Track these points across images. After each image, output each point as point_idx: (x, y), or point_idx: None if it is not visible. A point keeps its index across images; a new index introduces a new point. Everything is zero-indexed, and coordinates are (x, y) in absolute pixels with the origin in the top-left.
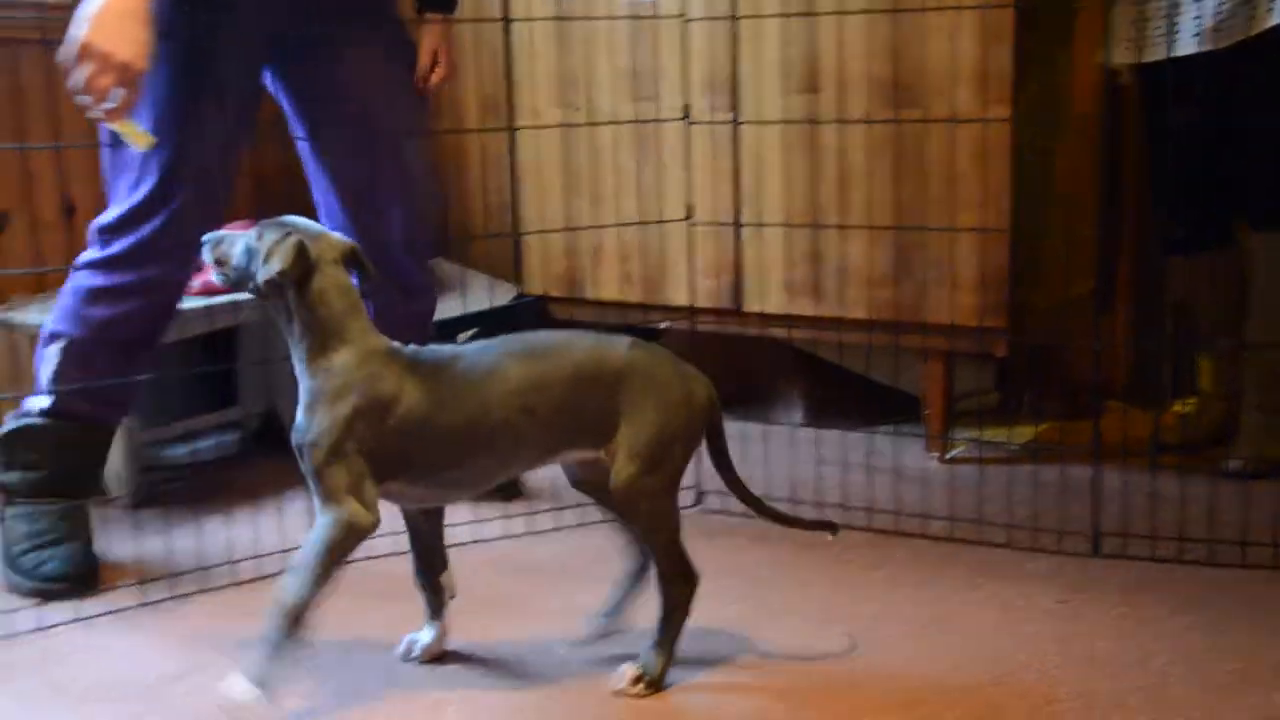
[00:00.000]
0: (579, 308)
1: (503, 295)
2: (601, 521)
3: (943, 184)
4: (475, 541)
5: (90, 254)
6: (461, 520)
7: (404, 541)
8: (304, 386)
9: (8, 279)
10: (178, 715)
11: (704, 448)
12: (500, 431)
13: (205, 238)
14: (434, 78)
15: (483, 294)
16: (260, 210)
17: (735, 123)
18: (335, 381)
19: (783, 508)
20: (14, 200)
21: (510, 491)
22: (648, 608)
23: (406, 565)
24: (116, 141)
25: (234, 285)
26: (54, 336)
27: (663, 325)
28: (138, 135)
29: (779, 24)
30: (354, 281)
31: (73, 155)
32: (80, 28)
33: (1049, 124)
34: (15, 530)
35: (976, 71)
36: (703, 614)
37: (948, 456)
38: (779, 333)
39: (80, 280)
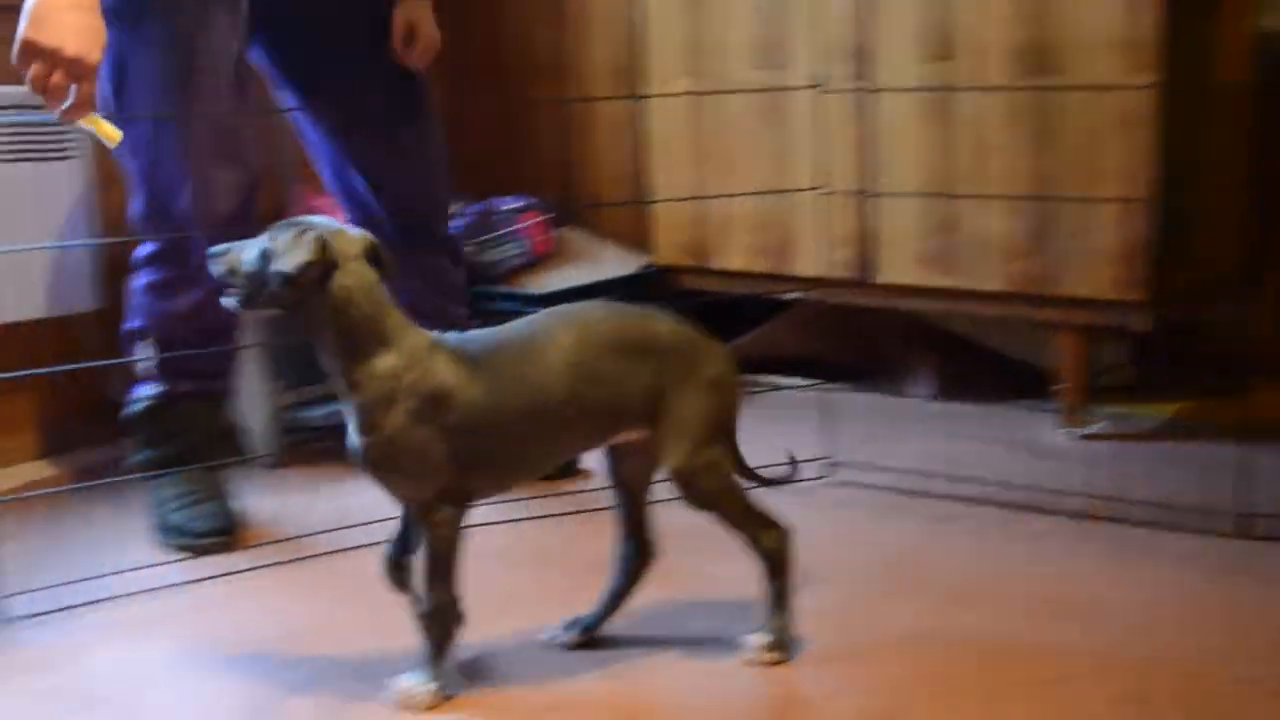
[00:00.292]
0: (706, 278)
1: (629, 264)
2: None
3: (1083, 153)
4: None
5: (143, 248)
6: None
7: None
8: (350, 405)
9: None
10: (320, 667)
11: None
12: (563, 409)
13: (210, 251)
14: (413, 55)
15: (609, 263)
16: None
17: (867, 90)
18: (384, 388)
19: (914, 482)
20: None
21: (568, 470)
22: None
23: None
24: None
25: (246, 301)
26: (137, 334)
27: (789, 296)
28: (105, 130)
29: None
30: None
31: None
32: (24, 24)
33: (1196, 92)
34: (162, 494)
35: (1121, 36)
36: (835, 587)
37: (1083, 433)
38: (910, 305)
39: (142, 276)
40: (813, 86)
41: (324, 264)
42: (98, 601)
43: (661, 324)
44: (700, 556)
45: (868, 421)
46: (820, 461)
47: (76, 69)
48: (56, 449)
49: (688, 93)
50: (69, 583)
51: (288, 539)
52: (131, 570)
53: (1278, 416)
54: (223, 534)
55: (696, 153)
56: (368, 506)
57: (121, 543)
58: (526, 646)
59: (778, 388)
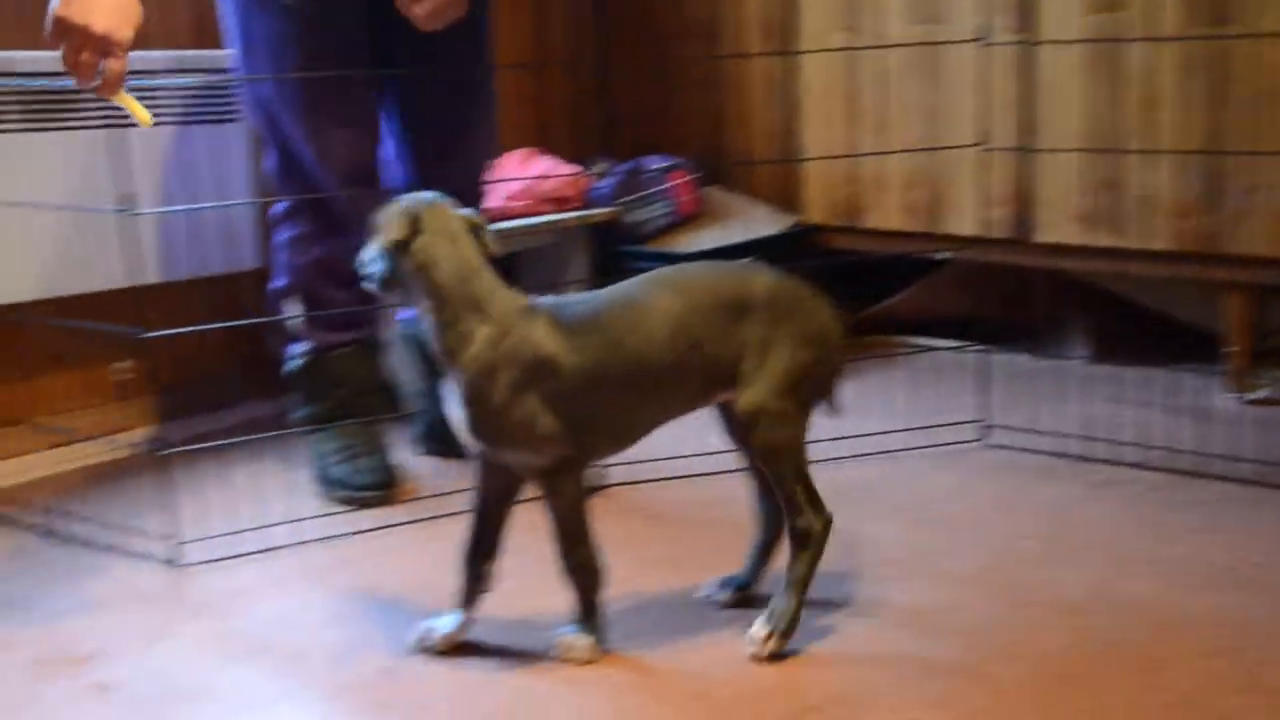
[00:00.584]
0: (855, 237)
1: (777, 224)
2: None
3: (1261, 106)
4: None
5: (280, 204)
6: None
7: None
8: (451, 369)
9: None
10: (480, 620)
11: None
12: (666, 372)
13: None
14: (416, 10)
15: (756, 222)
16: (545, 142)
17: (1031, 43)
18: (483, 358)
19: (1072, 446)
20: None
21: None
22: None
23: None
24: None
25: (385, 285)
26: (283, 291)
27: (942, 256)
28: (136, 110)
29: None
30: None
31: None
32: (54, 1)
33: None
34: (324, 448)
35: None
36: (992, 552)
37: (1250, 397)
38: (1069, 265)
39: (281, 233)
40: (976, 40)
41: (415, 238)
42: (265, 551)
43: (759, 279)
44: (848, 515)
45: (1023, 384)
46: (975, 424)
47: (104, 46)
48: (227, 403)
49: (845, 49)
50: (238, 531)
51: (446, 493)
52: (296, 521)
53: None
54: (381, 488)
55: (849, 110)
56: None
57: (287, 494)
58: (682, 604)
59: (930, 349)
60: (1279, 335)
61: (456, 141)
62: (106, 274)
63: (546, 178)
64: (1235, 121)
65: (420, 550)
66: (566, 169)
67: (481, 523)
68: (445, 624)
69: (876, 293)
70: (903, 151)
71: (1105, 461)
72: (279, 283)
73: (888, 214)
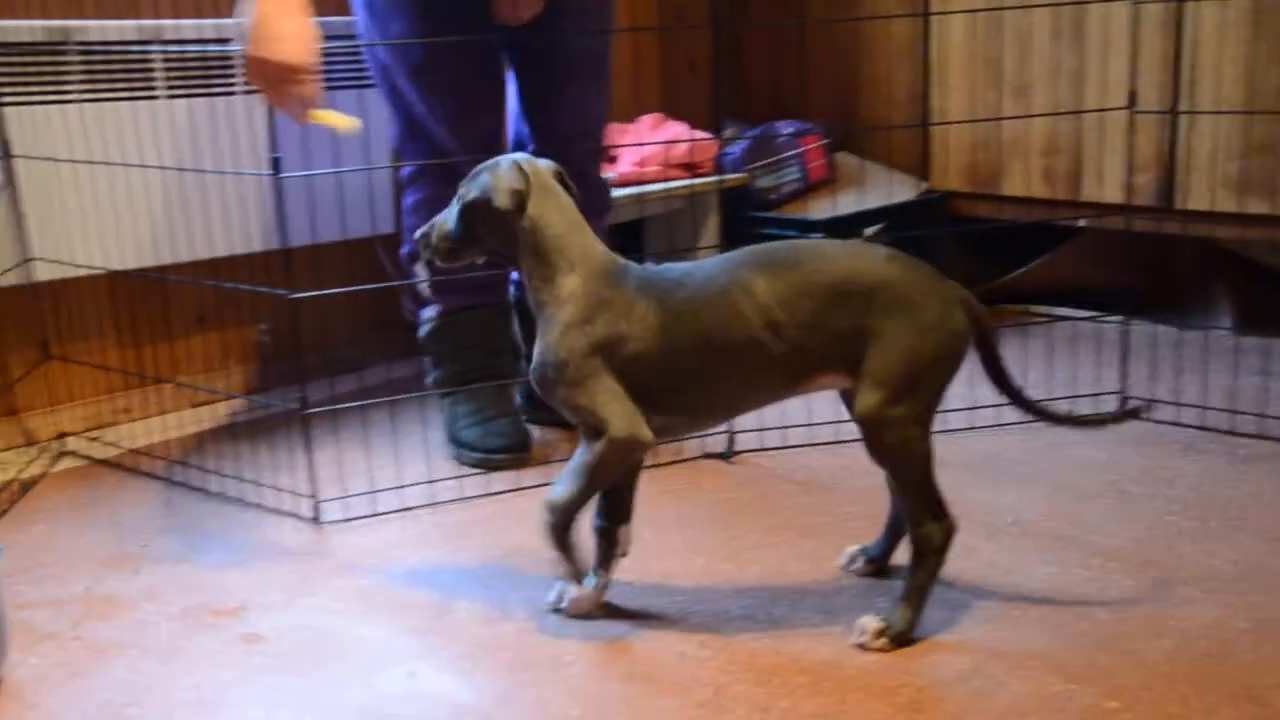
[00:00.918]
0: (987, 204)
1: (907, 190)
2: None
3: None
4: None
5: (406, 168)
6: None
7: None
8: (540, 318)
9: None
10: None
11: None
12: (744, 351)
13: (415, 235)
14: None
15: (886, 189)
16: (668, 105)
17: (1184, 0)
18: (567, 309)
19: (1221, 419)
20: None
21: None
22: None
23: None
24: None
25: (452, 252)
26: (411, 256)
27: (1080, 223)
28: (339, 122)
29: None
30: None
31: None
32: (246, 42)
33: None
34: (456, 411)
35: None
36: (1139, 525)
37: None
38: (1218, 233)
39: (408, 197)
40: None
41: (527, 191)
42: (401, 511)
43: (868, 261)
44: (988, 486)
45: (1165, 355)
46: (1117, 396)
47: (294, 75)
48: (366, 363)
49: (986, 9)
50: (376, 491)
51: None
52: (431, 482)
53: None
54: (512, 451)
55: (985, 74)
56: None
57: (422, 455)
58: (821, 574)
59: (1070, 319)
60: None
61: (567, 100)
62: (247, 237)
63: (677, 142)
64: None
65: None
66: (698, 134)
67: (612, 486)
68: (578, 588)
69: (1014, 261)
70: (1044, 115)
71: (1252, 436)
72: (408, 247)
73: (1022, 180)
